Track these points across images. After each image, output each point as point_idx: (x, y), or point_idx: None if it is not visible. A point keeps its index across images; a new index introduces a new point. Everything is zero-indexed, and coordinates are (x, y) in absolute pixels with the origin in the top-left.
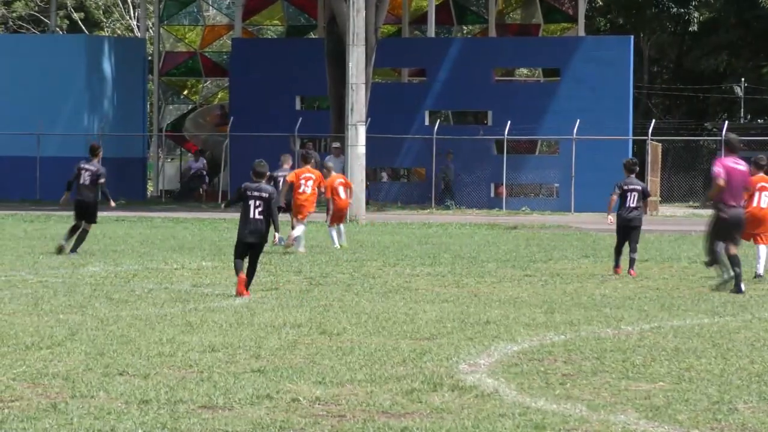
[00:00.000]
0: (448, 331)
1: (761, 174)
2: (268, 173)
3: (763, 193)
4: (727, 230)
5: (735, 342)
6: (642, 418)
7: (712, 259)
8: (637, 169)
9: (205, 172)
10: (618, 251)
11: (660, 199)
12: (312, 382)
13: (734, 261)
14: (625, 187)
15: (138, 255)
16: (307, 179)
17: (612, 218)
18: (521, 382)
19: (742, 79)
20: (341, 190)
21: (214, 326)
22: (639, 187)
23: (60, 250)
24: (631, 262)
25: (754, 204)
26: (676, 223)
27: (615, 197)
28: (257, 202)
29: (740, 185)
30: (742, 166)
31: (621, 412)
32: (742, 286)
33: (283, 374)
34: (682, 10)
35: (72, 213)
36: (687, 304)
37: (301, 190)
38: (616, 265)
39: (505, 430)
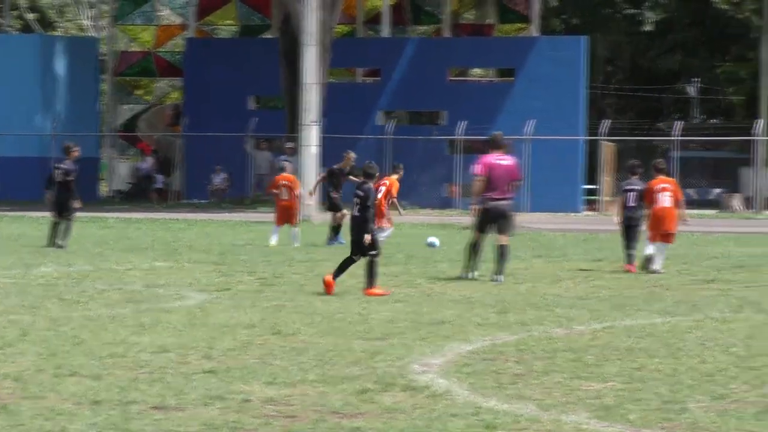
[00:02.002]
0: (400, 331)
1: (661, 176)
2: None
3: (665, 194)
4: (492, 220)
5: (686, 341)
6: (593, 418)
7: (470, 253)
8: (640, 171)
9: (154, 173)
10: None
11: (611, 198)
12: (264, 383)
13: (503, 251)
14: (625, 188)
15: (90, 255)
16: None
17: (617, 219)
18: (473, 381)
19: (696, 79)
20: (284, 191)
21: (167, 327)
22: (638, 188)
23: (59, 248)
24: (630, 257)
25: (657, 205)
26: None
27: (621, 199)
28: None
29: (504, 179)
30: (506, 161)
31: (572, 411)
32: (502, 278)
33: (236, 375)
34: (636, 11)
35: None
36: (639, 303)
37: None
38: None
39: (457, 429)
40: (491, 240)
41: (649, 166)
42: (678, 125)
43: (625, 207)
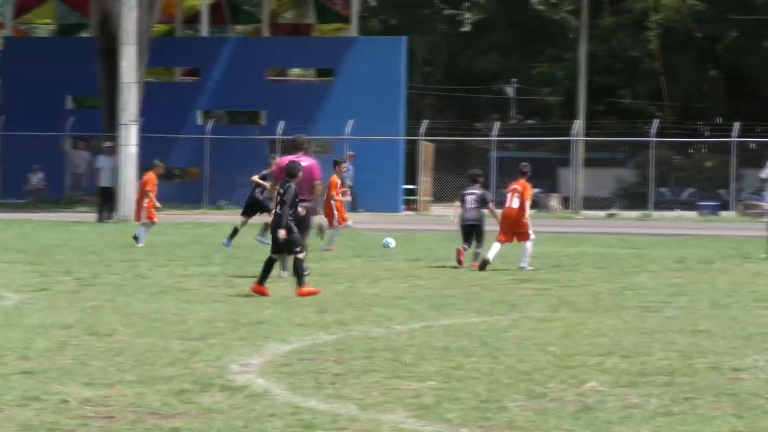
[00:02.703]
0: (219, 332)
1: (522, 180)
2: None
3: (514, 195)
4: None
5: (504, 341)
6: (411, 417)
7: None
8: (481, 180)
9: None
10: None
11: (431, 199)
12: (81, 384)
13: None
14: (464, 192)
15: None
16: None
17: (456, 220)
18: (292, 381)
19: (514, 80)
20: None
21: None
22: (478, 192)
23: None
24: (475, 255)
25: (507, 205)
26: (447, 223)
27: (458, 202)
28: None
29: (305, 181)
30: (304, 162)
31: (391, 410)
32: (286, 274)
33: (52, 376)
34: (455, 11)
35: None
36: (457, 303)
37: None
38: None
39: (275, 429)
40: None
41: (470, 166)
42: (496, 126)
43: (464, 210)
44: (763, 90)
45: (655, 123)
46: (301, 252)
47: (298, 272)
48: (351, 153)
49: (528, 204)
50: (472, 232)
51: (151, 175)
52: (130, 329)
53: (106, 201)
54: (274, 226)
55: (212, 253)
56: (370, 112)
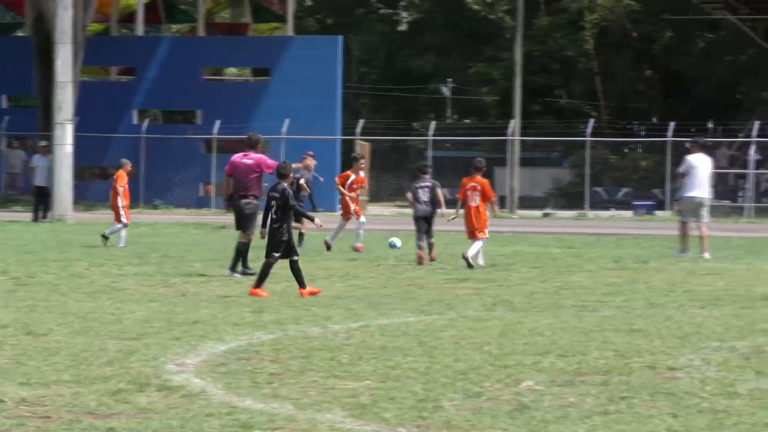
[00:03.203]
0: (155, 331)
1: (478, 176)
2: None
3: (474, 193)
4: (236, 218)
5: (440, 340)
6: (348, 417)
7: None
8: (429, 170)
9: None
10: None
11: (368, 198)
12: (17, 384)
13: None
14: (416, 186)
15: None
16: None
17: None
18: (229, 381)
19: (449, 79)
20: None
21: None
22: (429, 185)
23: None
24: (430, 246)
25: (468, 203)
26: (385, 222)
27: (410, 196)
28: None
29: (245, 178)
30: (248, 160)
31: (328, 410)
32: (236, 275)
33: None
34: (391, 11)
35: None
36: (394, 302)
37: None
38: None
39: (212, 429)
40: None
41: (406, 163)
42: (432, 125)
43: (417, 203)
44: (697, 90)
45: (591, 122)
46: (277, 258)
47: (263, 274)
48: (311, 153)
49: (494, 201)
50: (426, 224)
51: (122, 173)
52: (66, 329)
53: (41, 200)
54: (300, 219)
55: (148, 252)
56: (306, 111)
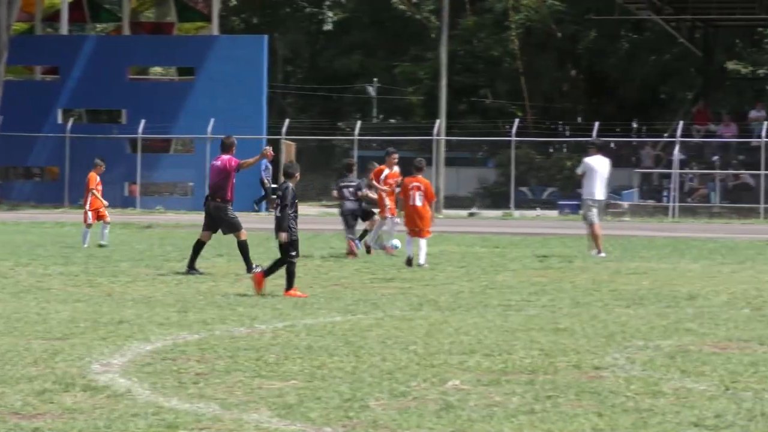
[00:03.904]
0: (80, 331)
1: (418, 176)
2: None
3: (417, 193)
4: (208, 219)
5: (367, 340)
6: (275, 416)
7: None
8: (354, 168)
9: None
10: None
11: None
12: None
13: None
14: (341, 185)
15: None
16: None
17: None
18: (154, 381)
19: (375, 79)
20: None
21: None
22: (354, 183)
23: None
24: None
25: (410, 203)
26: (311, 222)
27: (336, 193)
28: None
29: (213, 179)
30: (217, 162)
31: (254, 410)
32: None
33: None
34: (316, 9)
35: None
36: (320, 302)
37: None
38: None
39: (138, 429)
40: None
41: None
42: (357, 125)
43: (344, 201)
44: (622, 89)
45: (516, 122)
46: (295, 257)
47: (290, 275)
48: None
49: (433, 203)
50: (353, 219)
51: (93, 175)
52: None
53: None
54: (277, 229)
55: (73, 252)
56: (231, 111)
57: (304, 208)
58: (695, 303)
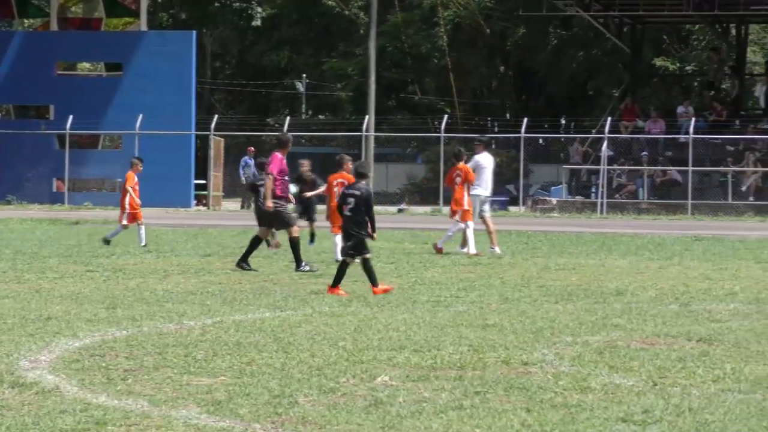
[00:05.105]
0: (8, 328)
1: (344, 172)
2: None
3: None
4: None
5: (296, 336)
6: (204, 413)
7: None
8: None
9: None
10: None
11: (223, 193)
12: None
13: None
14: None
15: None
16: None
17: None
18: (82, 378)
19: (304, 75)
20: None
21: None
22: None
23: None
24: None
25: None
26: (239, 218)
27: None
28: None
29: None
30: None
31: (182, 406)
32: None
33: None
34: (245, 5)
35: None
36: (249, 298)
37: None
38: None
39: (66, 426)
40: None
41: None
42: (287, 121)
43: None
44: (550, 86)
45: (445, 118)
46: (366, 253)
47: (369, 272)
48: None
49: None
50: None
51: (131, 174)
52: None
53: None
54: (367, 234)
55: (0, 248)
56: (160, 106)
57: (232, 204)
58: (623, 299)
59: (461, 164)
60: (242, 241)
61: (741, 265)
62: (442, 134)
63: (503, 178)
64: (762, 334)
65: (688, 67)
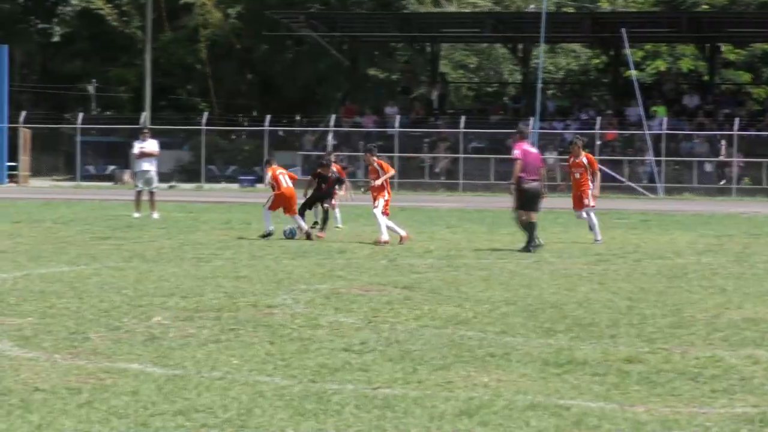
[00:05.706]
0: None
1: (275, 165)
2: None
3: (285, 177)
4: (528, 200)
5: (88, 285)
6: (15, 346)
7: (523, 227)
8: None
9: None
10: None
11: (30, 173)
12: None
13: (531, 227)
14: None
15: None
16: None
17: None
18: None
19: (94, 80)
20: None
21: None
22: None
23: None
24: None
25: (285, 185)
26: (43, 193)
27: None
28: None
29: (536, 164)
30: (534, 149)
31: None
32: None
33: None
34: (47, 25)
35: None
36: (50, 255)
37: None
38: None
39: None
40: None
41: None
42: (80, 116)
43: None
44: (287, 90)
45: (205, 115)
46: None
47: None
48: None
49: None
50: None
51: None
52: None
53: None
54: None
55: None
56: None
57: (38, 182)
58: (345, 256)
59: (587, 153)
60: (46, 212)
61: (435, 230)
62: (204, 127)
63: (251, 161)
64: (451, 283)
65: (393, 76)
